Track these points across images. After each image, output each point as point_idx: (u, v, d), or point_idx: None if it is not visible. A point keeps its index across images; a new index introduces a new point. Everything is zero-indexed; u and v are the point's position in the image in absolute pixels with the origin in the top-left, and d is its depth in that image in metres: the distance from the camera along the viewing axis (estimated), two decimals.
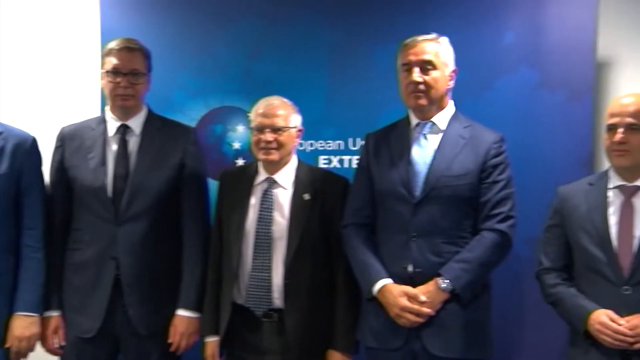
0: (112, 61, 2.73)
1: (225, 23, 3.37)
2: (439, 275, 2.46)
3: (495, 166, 2.54)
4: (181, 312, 2.74)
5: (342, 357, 2.67)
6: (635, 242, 2.35)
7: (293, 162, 2.77)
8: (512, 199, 2.55)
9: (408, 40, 2.59)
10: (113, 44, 2.76)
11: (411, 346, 2.49)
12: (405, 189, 2.54)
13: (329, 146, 3.34)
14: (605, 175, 2.49)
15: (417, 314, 2.44)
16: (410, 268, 2.50)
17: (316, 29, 3.32)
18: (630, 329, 2.27)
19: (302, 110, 2.81)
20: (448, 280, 2.44)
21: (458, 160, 2.53)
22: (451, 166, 2.52)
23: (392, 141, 2.65)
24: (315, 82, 3.32)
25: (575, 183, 2.56)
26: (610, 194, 2.44)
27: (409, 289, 2.47)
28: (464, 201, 2.52)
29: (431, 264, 2.49)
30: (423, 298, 2.45)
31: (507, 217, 2.52)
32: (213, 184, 2.97)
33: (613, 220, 2.40)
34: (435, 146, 2.57)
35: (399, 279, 2.51)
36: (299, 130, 2.77)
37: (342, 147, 3.33)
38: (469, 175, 2.52)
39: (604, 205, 2.42)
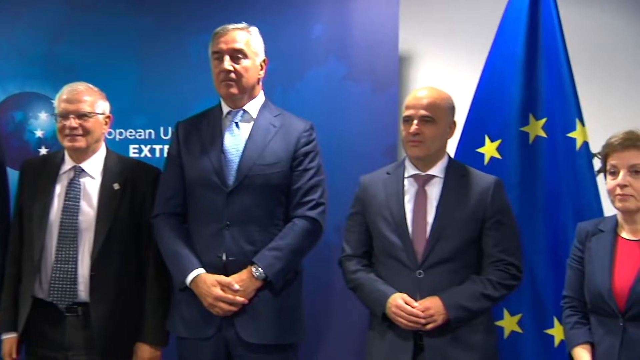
0: None
1: (24, 4, 3.21)
2: (252, 263, 2.48)
3: (306, 154, 2.59)
4: None
5: (151, 350, 2.62)
6: (429, 228, 2.45)
7: (102, 150, 2.69)
8: (323, 186, 2.61)
9: (219, 29, 2.59)
10: None
11: (224, 334, 2.49)
12: (218, 177, 2.53)
13: (140, 135, 3.28)
14: (402, 165, 2.57)
15: (231, 302, 2.45)
16: (223, 257, 2.49)
17: (125, 14, 3.25)
18: (423, 311, 2.36)
19: (111, 98, 2.73)
20: (261, 269, 2.47)
21: (270, 148, 2.56)
22: (263, 154, 2.54)
23: (203, 130, 2.63)
24: (125, 70, 3.25)
25: (376, 172, 2.63)
26: (406, 182, 2.52)
27: (222, 278, 2.47)
28: (276, 189, 2.55)
29: (245, 252, 2.50)
30: (237, 287, 2.46)
31: (318, 204, 2.58)
32: (15, 174, 2.80)
33: (409, 207, 2.48)
34: (247, 135, 2.58)
35: (213, 268, 2.50)
36: (108, 117, 2.69)
37: (153, 137, 3.28)
38: (280, 163, 2.56)
39: (400, 193, 2.50)
